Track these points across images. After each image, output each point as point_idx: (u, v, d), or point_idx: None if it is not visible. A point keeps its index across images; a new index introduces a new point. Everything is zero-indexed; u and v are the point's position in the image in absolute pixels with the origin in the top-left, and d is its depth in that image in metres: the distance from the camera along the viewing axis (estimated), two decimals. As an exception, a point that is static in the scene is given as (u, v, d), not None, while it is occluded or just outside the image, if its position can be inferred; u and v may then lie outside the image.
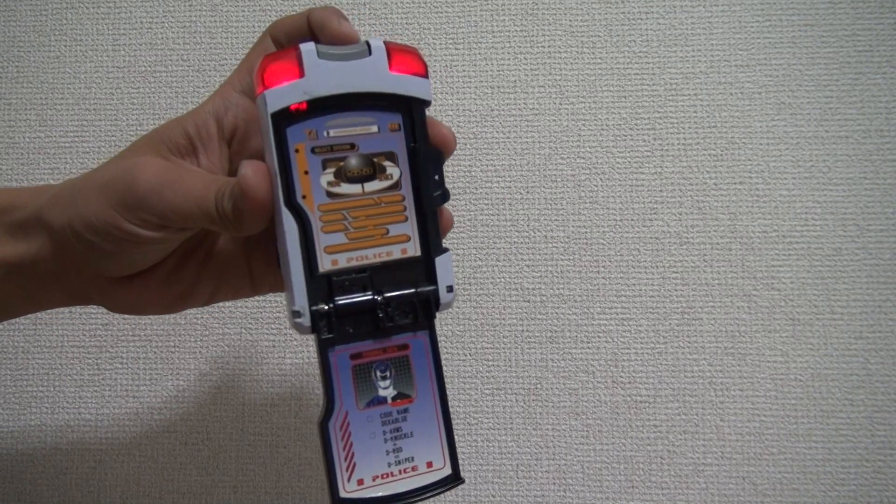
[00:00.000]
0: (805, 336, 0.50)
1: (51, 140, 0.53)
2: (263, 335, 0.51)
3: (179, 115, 0.33)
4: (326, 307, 0.30)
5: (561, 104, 0.52)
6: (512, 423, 0.50)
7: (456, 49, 0.53)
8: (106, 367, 0.51)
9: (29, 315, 0.50)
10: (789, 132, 0.51)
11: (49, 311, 0.51)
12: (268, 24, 0.34)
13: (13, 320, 0.51)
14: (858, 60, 0.52)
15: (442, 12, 0.53)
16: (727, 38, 0.52)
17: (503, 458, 0.49)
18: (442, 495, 0.49)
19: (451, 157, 0.52)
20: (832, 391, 0.49)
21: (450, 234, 0.51)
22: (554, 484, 0.49)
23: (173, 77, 0.53)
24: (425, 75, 0.31)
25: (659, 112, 0.52)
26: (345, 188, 0.30)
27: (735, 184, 0.51)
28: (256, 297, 0.51)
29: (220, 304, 0.51)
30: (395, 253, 0.31)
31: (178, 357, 0.51)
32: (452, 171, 0.52)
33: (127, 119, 0.53)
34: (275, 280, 0.35)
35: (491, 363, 0.50)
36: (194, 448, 0.50)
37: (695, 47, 0.52)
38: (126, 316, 0.51)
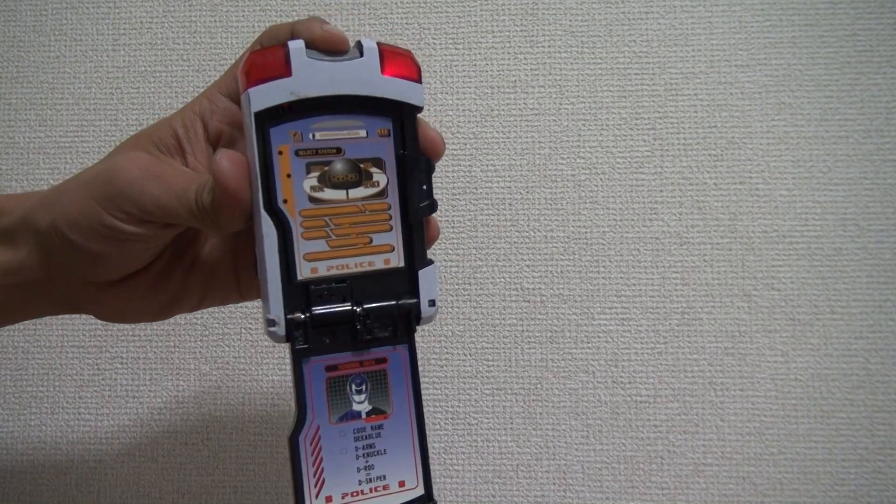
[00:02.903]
0: (805, 336, 0.50)
1: (51, 140, 0.53)
2: (263, 335, 0.51)
3: (167, 116, 0.32)
4: (303, 316, 0.29)
5: (561, 104, 0.52)
6: (512, 423, 0.50)
7: (456, 49, 0.53)
8: (106, 367, 0.51)
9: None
10: (789, 132, 0.51)
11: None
12: (268, 24, 0.34)
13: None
14: (858, 60, 0.52)
15: (442, 12, 0.53)
16: (727, 38, 0.52)
17: (503, 458, 0.49)
18: (441, 493, 0.49)
19: (452, 157, 0.52)
20: (832, 391, 0.49)
21: (450, 235, 0.51)
22: (554, 484, 0.49)
23: (173, 77, 0.53)
24: (418, 80, 0.30)
25: (659, 112, 0.52)
26: (329, 194, 0.29)
27: (735, 184, 0.51)
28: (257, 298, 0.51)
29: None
30: (378, 263, 0.30)
31: (178, 357, 0.51)
32: (452, 171, 0.52)
33: (127, 119, 0.53)
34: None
35: (491, 363, 0.50)
36: (194, 448, 0.50)
37: (695, 47, 0.52)
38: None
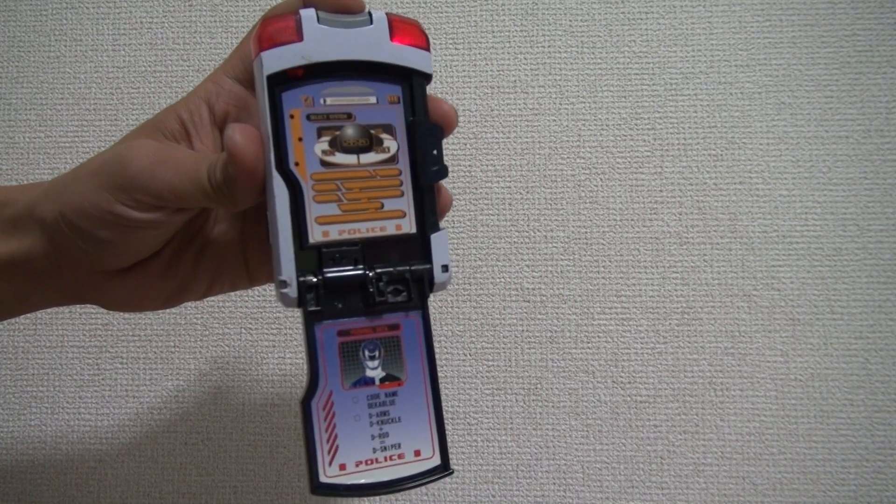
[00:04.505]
0: (805, 336, 0.50)
1: (51, 140, 0.53)
2: (263, 335, 0.51)
3: (172, 103, 0.32)
4: (315, 279, 0.29)
5: (561, 104, 0.52)
6: (512, 423, 0.50)
7: (456, 49, 0.53)
8: (106, 367, 0.51)
9: (29, 315, 0.50)
10: (789, 132, 0.51)
11: (49, 311, 0.51)
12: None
13: (13, 320, 0.51)
14: (858, 60, 0.52)
15: (442, 12, 0.53)
16: (727, 38, 0.52)
17: (503, 458, 0.49)
18: (441, 493, 0.49)
19: (452, 158, 0.52)
20: (832, 391, 0.49)
21: (450, 235, 0.51)
22: (554, 484, 0.49)
23: (173, 77, 0.53)
24: (427, 48, 0.30)
25: (659, 112, 0.52)
26: (340, 158, 0.29)
27: (735, 184, 0.51)
28: (256, 298, 0.51)
29: (221, 305, 0.51)
30: (390, 228, 0.30)
31: (178, 357, 0.51)
32: (453, 171, 0.52)
33: (127, 119, 0.53)
34: (271, 271, 0.34)
35: (491, 363, 0.50)
36: (194, 448, 0.50)
37: (695, 47, 0.52)
38: (126, 315, 0.51)
